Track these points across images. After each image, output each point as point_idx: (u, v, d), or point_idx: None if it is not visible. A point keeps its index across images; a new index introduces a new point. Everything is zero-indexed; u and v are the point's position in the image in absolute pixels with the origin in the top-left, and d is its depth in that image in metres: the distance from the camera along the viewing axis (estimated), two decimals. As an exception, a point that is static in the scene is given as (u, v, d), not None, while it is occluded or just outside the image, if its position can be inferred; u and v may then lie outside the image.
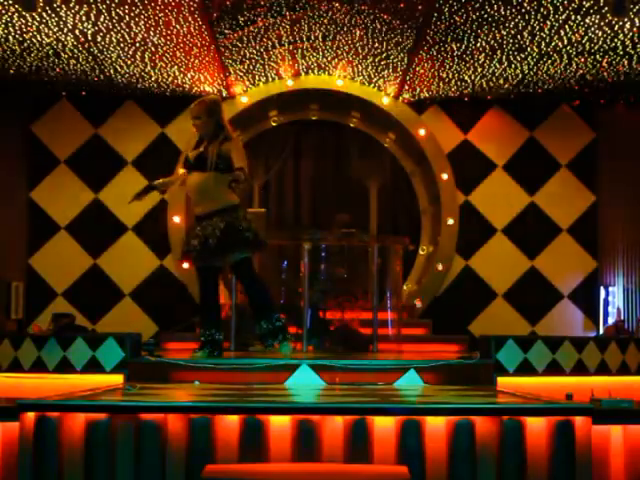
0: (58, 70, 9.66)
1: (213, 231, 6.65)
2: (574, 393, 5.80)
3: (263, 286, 7.08)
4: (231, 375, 6.42)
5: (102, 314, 10.66)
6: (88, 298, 10.65)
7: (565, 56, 9.10)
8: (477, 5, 7.98)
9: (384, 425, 4.64)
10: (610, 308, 10.64)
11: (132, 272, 10.80)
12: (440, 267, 10.79)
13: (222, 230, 6.64)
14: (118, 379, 6.49)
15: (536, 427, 4.68)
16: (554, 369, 6.82)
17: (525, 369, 6.76)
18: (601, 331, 10.54)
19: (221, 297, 8.52)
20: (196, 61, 9.53)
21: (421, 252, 11.18)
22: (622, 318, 10.16)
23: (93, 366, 6.64)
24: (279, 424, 4.63)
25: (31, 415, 4.66)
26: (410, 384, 6.35)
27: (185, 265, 9.79)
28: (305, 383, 6.26)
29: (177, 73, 9.88)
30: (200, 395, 5.51)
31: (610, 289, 10.74)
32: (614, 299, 10.66)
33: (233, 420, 4.63)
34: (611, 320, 10.42)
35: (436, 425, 4.64)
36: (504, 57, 9.24)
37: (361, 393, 5.62)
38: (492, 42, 8.83)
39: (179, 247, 10.30)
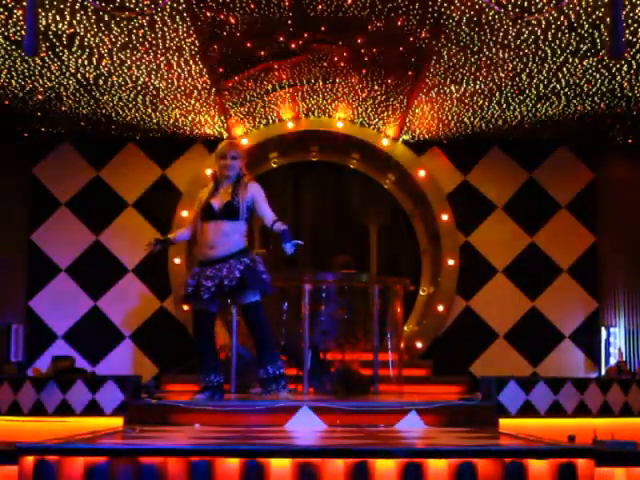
0: (60, 113, 9.72)
1: (230, 273, 6.62)
2: (576, 435, 5.77)
3: (271, 331, 6.96)
4: (231, 417, 6.38)
5: (102, 356, 10.60)
6: (88, 340, 10.58)
7: (563, 98, 9.17)
8: (475, 48, 8.06)
9: (385, 468, 4.59)
10: (611, 349, 10.59)
11: (132, 314, 10.77)
12: (441, 308, 10.75)
13: (242, 271, 6.62)
14: (118, 422, 6.46)
15: (538, 469, 4.64)
16: (556, 411, 6.79)
17: (527, 411, 6.74)
18: (603, 372, 10.49)
19: (220, 339, 8.54)
20: (197, 104, 9.59)
21: (421, 293, 11.15)
22: (623, 359, 10.11)
23: (93, 409, 6.62)
24: (279, 467, 4.59)
25: (30, 459, 4.63)
26: (411, 426, 6.31)
27: (185, 307, 9.73)
28: (306, 425, 6.22)
29: (178, 116, 9.94)
30: (200, 438, 5.47)
31: (611, 330, 10.70)
32: (615, 340, 10.63)
33: (233, 463, 4.59)
34: (613, 361, 10.36)
35: (438, 468, 4.60)
36: (503, 99, 9.31)
37: (362, 435, 5.59)
38: (491, 84, 8.90)
39: (179, 289, 10.37)
